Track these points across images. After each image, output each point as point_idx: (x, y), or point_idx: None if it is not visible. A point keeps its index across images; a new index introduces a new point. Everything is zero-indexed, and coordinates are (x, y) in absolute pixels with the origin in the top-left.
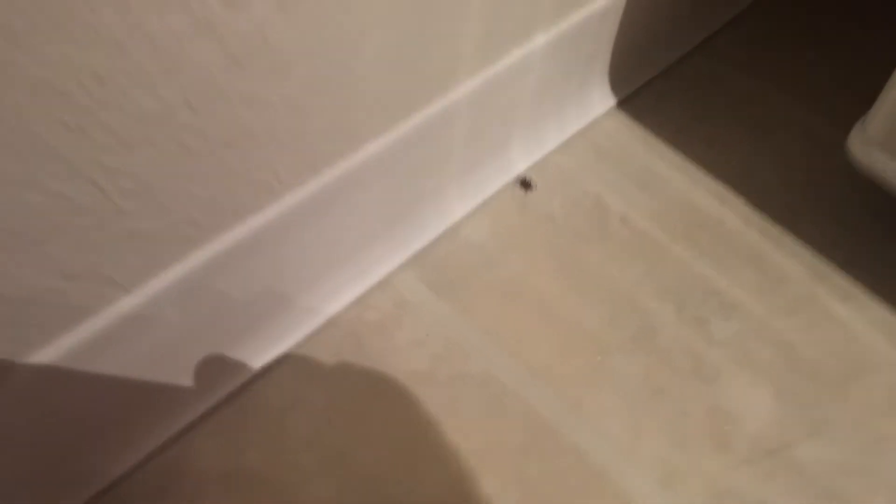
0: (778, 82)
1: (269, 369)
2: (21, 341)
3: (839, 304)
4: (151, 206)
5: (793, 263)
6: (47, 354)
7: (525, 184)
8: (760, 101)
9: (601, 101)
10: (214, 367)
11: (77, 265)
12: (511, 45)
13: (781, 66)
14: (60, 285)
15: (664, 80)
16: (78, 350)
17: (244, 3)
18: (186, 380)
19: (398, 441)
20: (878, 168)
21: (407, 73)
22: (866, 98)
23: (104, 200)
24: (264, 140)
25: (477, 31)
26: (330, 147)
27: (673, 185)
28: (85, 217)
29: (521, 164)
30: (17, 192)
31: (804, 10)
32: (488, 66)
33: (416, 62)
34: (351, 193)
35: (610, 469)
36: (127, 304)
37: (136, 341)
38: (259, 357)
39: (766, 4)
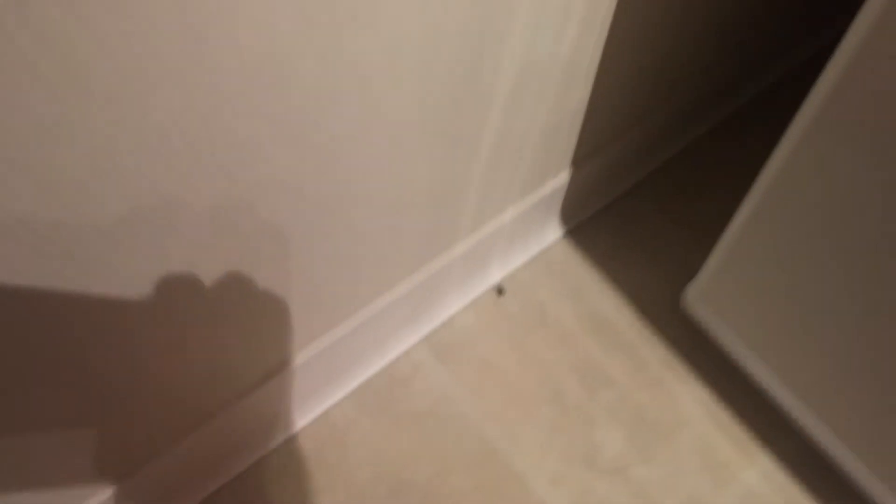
0: (680, 222)
1: (339, 403)
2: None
3: (676, 384)
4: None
5: (654, 356)
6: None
7: (499, 290)
8: (664, 237)
9: (554, 233)
10: (323, 396)
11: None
12: (491, 217)
13: (689, 209)
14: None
15: (602, 215)
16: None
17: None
18: (311, 402)
19: (408, 446)
20: (701, 322)
21: (427, 242)
22: None
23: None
24: (346, 286)
25: (470, 210)
26: (380, 281)
27: (592, 296)
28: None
29: (497, 276)
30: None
31: (728, 160)
32: (477, 230)
33: (433, 234)
34: (389, 308)
35: (525, 473)
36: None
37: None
38: (336, 393)
39: (694, 153)
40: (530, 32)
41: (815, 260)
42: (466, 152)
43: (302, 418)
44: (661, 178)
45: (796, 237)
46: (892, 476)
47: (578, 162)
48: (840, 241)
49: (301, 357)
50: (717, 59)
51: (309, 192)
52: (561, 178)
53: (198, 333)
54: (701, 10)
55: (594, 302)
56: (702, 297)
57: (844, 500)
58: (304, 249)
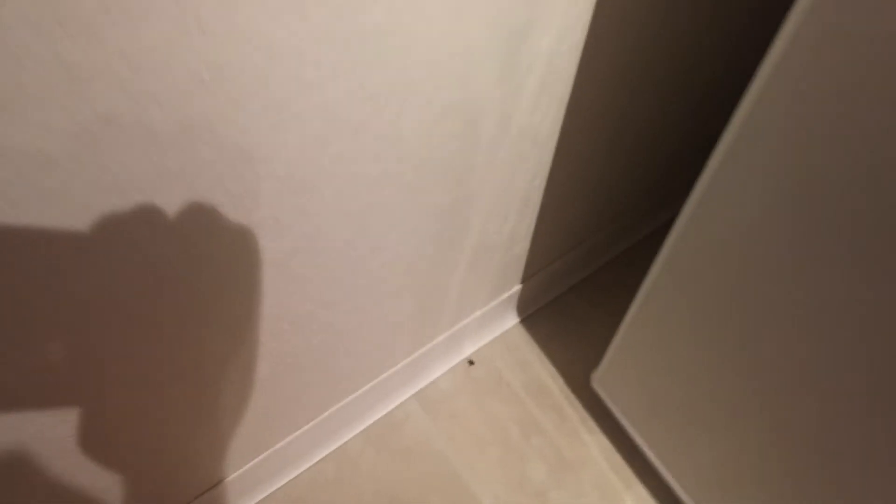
0: (605, 315)
1: (349, 442)
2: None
3: (587, 434)
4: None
5: (574, 413)
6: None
7: (470, 362)
8: (592, 326)
9: (511, 320)
10: (343, 433)
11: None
12: (464, 318)
13: (612, 306)
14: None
15: (547, 307)
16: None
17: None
18: (334, 438)
19: (400, 472)
20: (600, 397)
21: (418, 338)
22: None
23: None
24: (363, 368)
25: (448, 316)
26: (385, 363)
27: (535, 369)
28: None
29: (468, 351)
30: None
31: (648, 268)
32: (454, 326)
33: (422, 333)
34: (391, 377)
35: (478, 494)
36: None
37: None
38: (352, 432)
39: (621, 262)
40: (484, 221)
41: (664, 365)
42: (443, 289)
43: (327, 449)
44: (593, 281)
45: (656, 347)
46: None
47: (526, 279)
48: (689, 351)
49: (330, 410)
50: (631, 203)
51: (341, 326)
52: (514, 289)
53: (238, 402)
54: (614, 185)
55: (536, 371)
56: (599, 381)
57: None
58: (333, 350)
